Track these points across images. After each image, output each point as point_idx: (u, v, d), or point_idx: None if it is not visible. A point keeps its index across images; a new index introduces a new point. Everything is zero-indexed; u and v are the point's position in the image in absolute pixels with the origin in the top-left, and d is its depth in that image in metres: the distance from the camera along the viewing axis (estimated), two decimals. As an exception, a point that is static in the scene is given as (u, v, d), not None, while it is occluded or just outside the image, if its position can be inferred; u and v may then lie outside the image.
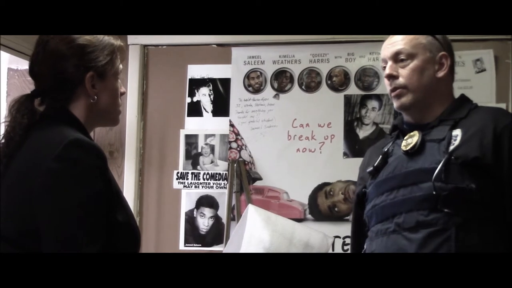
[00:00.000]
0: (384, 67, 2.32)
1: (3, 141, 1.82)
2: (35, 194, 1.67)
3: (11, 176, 1.77)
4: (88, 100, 1.85)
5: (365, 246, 2.29)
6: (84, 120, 1.86)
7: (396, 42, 2.28)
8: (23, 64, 3.85)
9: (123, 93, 1.97)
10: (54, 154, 1.68)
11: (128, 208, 1.85)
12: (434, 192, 2.08)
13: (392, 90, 2.29)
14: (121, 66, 1.95)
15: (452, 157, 2.10)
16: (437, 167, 2.09)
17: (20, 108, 1.82)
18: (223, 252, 2.41)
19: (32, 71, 1.89)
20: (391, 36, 2.33)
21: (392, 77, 2.27)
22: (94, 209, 1.68)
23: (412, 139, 2.22)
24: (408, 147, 2.21)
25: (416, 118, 2.29)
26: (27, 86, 3.52)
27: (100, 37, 1.88)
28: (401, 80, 2.26)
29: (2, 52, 3.68)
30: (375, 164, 2.30)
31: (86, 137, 1.79)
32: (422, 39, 2.27)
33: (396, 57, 2.28)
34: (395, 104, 2.30)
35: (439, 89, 2.28)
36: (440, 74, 2.27)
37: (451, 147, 2.13)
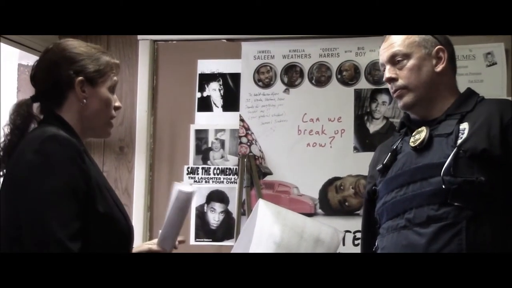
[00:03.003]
0: (384, 71, 2.33)
1: (6, 143, 1.98)
2: (15, 185, 1.83)
3: (5, 173, 1.93)
4: (78, 104, 2.00)
5: (376, 243, 2.29)
6: (74, 124, 2.00)
7: (390, 45, 2.30)
8: (34, 60, 3.84)
9: (118, 107, 2.10)
10: (33, 148, 1.83)
11: (110, 200, 1.95)
12: (443, 186, 2.08)
13: (394, 92, 2.30)
14: (116, 80, 2.08)
15: (461, 151, 2.10)
16: (445, 162, 2.10)
17: (19, 111, 1.99)
18: (234, 246, 2.41)
19: (32, 78, 2.06)
20: (385, 39, 2.33)
21: (392, 80, 2.29)
22: (67, 197, 1.80)
23: (420, 135, 2.22)
24: (416, 143, 2.21)
25: (422, 115, 2.29)
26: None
27: (93, 51, 2.04)
28: (400, 82, 2.27)
29: (13, 48, 3.69)
30: (384, 162, 2.30)
31: (73, 137, 1.92)
32: (416, 37, 2.27)
33: (392, 60, 2.29)
34: (399, 104, 2.31)
35: (441, 83, 2.28)
36: (439, 68, 2.27)
37: (459, 141, 2.13)
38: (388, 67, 2.30)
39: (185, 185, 2.13)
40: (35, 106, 2.03)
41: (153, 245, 2.24)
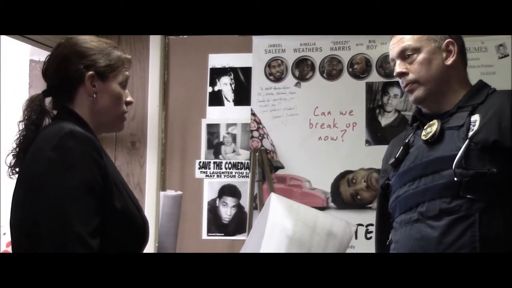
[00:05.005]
0: (395, 67, 2.33)
1: (21, 139, 1.98)
2: (34, 182, 1.81)
3: (22, 169, 1.93)
4: (89, 99, 1.99)
5: (390, 237, 2.30)
6: (87, 119, 1.99)
7: (400, 40, 2.30)
8: (45, 56, 3.86)
9: (129, 102, 2.09)
10: (52, 145, 1.82)
11: (126, 196, 1.94)
12: (455, 179, 2.08)
13: (405, 87, 2.30)
14: (127, 75, 2.07)
15: (472, 143, 2.10)
16: (457, 154, 2.09)
17: (32, 106, 1.99)
18: (246, 240, 2.40)
19: (43, 73, 2.06)
20: (394, 35, 2.33)
21: (402, 74, 2.29)
22: (87, 193, 1.79)
23: (431, 128, 2.22)
24: (428, 136, 2.21)
25: (434, 109, 2.29)
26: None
27: (104, 46, 2.03)
28: (411, 76, 2.27)
29: (24, 43, 3.71)
30: (396, 156, 2.30)
31: (89, 132, 1.91)
32: None
33: (402, 55, 2.29)
34: (410, 99, 2.32)
35: (451, 76, 2.27)
36: (449, 61, 2.27)
37: (470, 133, 2.12)
38: (398, 61, 2.30)
39: (171, 191, 2.11)
40: (48, 101, 2.02)
41: None
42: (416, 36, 2.26)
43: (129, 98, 2.08)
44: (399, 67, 2.29)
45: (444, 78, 2.26)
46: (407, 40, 2.27)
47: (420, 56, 2.26)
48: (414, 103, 2.33)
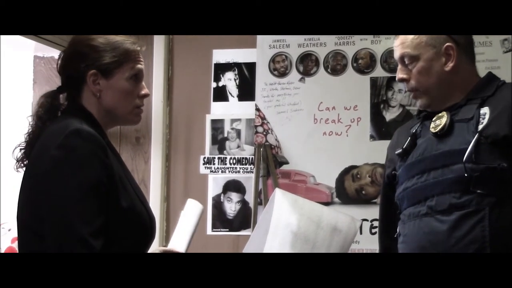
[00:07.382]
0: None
1: (29, 134, 1.97)
2: (39, 180, 1.81)
3: (28, 165, 1.92)
4: (95, 97, 1.97)
5: (397, 230, 2.29)
6: (96, 115, 1.97)
7: (401, 44, 2.27)
8: (49, 52, 3.87)
9: (144, 95, 2.06)
10: (57, 143, 1.81)
11: (133, 194, 1.93)
12: (465, 174, 2.07)
13: (409, 92, 2.32)
14: (138, 68, 2.03)
15: (482, 137, 2.09)
16: (467, 148, 2.08)
17: (42, 102, 1.98)
18: (251, 236, 2.41)
19: (57, 70, 2.04)
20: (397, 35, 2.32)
21: (403, 80, 2.29)
22: (90, 193, 1.78)
23: (440, 120, 2.20)
24: (437, 129, 2.19)
25: (442, 108, 2.26)
26: (54, 73, 3.55)
27: (114, 40, 1.99)
28: (412, 83, 2.27)
29: (28, 40, 3.71)
30: (404, 146, 2.29)
31: (96, 129, 1.90)
32: (423, 36, 2.23)
33: (402, 61, 2.28)
34: (417, 104, 2.33)
35: (454, 79, 2.24)
36: (449, 67, 2.23)
37: (480, 126, 2.11)
38: (399, 66, 2.29)
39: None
40: (62, 96, 2.01)
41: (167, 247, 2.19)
42: (414, 43, 2.22)
43: (144, 91, 2.05)
44: (400, 73, 2.28)
45: (445, 84, 2.23)
46: (406, 47, 2.24)
47: (419, 65, 2.23)
48: (421, 109, 2.33)
